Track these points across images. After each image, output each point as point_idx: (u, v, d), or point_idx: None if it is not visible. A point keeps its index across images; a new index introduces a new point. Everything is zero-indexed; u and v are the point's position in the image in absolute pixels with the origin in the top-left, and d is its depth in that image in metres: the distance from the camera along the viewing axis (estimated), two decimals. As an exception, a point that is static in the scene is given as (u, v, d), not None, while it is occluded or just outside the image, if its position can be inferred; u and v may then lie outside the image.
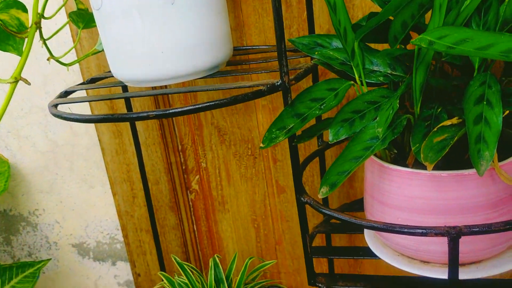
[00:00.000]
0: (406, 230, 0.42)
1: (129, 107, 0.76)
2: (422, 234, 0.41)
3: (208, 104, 0.47)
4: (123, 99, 0.78)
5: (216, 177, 0.86)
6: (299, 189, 0.52)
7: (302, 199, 0.51)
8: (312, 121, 0.53)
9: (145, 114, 0.47)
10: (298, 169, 0.52)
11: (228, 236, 0.90)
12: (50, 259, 0.94)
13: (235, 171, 0.85)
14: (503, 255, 0.52)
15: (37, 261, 0.89)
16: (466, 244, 0.49)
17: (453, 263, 0.41)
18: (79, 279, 1.09)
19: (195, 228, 0.92)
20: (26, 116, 0.95)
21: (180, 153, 0.87)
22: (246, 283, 0.75)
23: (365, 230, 0.62)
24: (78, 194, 1.00)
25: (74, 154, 0.96)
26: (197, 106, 0.47)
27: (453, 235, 0.40)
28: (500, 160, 0.48)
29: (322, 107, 0.49)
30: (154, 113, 0.47)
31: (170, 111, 0.47)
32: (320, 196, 0.45)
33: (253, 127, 0.81)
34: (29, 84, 0.53)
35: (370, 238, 0.60)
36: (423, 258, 0.53)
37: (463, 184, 0.47)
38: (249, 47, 0.71)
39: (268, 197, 0.85)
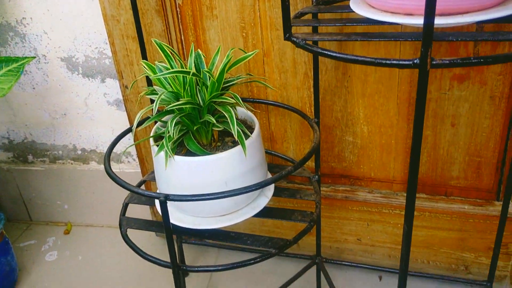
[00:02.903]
0: None
1: None
2: None
3: None
4: None
5: (205, -24, 0.81)
6: None
7: None
8: None
9: None
10: None
11: (215, 46, 0.87)
12: (35, 57, 0.92)
13: (225, -31, 0.80)
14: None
15: (22, 57, 0.87)
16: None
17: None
18: (69, 96, 1.09)
19: (183, 38, 0.89)
20: None
21: None
22: (227, 78, 0.73)
23: (351, 3, 0.58)
24: (66, 2, 0.96)
25: (60, -45, 0.91)
26: None
27: None
28: None
29: None
30: None
31: None
32: None
33: None
34: None
35: (355, 4, 0.56)
36: (406, 11, 0.49)
37: None
38: None
39: (258, 0, 0.80)
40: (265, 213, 0.76)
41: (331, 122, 0.88)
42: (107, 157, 0.71)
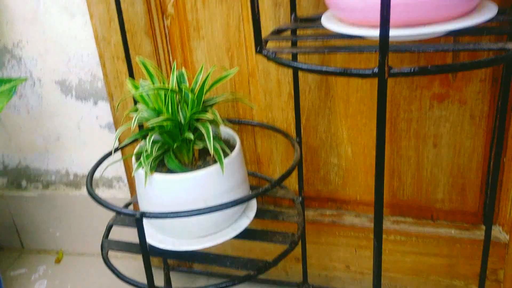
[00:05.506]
0: None
1: None
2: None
3: None
4: None
5: (191, -2, 0.84)
6: None
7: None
8: None
9: None
10: None
11: (203, 68, 0.89)
12: (27, 78, 0.95)
13: (210, -8, 0.82)
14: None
15: (14, 78, 0.90)
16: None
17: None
18: (62, 119, 1.11)
19: (171, 59, 0.91)
20: None
21: (156, -29, 0.84)
22: (207, 98, 0.74)
23: (323, 17, 0.59)
24: (60, 24, 0.99)
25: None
26: None
27: None
28: None
29: None
30: None
31: None
32: None
33: None
34: None
35: (327, 19, 0.57)
36: (371, 23, 0.50)
37: None
38: None
39: (242, 21, 0.82)
40: (246, 234, 0.75)
41: (316, 143, 0.88)
42: (90, 177, 0.71)
